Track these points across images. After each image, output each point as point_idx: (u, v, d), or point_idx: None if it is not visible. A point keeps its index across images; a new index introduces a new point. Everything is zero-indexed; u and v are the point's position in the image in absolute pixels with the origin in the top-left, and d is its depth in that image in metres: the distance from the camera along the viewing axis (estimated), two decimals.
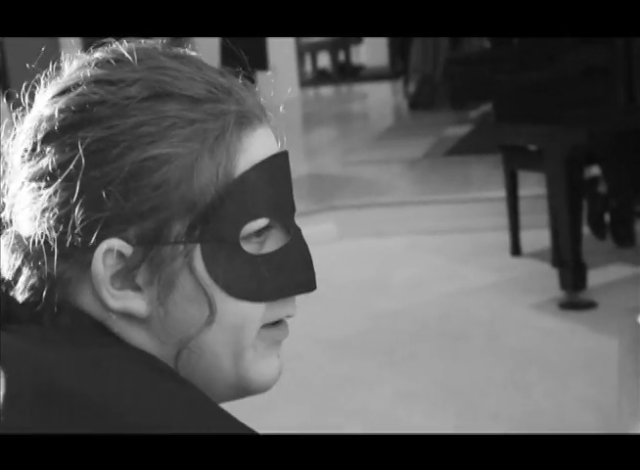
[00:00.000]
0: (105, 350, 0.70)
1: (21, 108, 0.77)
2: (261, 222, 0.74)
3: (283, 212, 0.76)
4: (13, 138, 0.76)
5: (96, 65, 0.75)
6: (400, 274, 4.38)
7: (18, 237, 0.73)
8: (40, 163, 0.72)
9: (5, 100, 4.35)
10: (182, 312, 0.72)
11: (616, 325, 2.85)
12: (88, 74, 0.74)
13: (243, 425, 0.69)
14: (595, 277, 3.90)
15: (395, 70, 11.67)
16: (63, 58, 0.78)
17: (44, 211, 0.72)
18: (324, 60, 13.74)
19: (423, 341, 3.57)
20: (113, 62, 0.74)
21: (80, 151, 0.70)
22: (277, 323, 0.77)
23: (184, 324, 0.72)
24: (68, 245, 0.71)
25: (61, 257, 0.71)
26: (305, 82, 12.59)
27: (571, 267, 3.74)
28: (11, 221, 0.75)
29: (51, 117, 0.73)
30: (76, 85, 0.73)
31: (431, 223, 5.18)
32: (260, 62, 7.63)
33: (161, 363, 0.72)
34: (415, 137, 7.85)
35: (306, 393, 3.14)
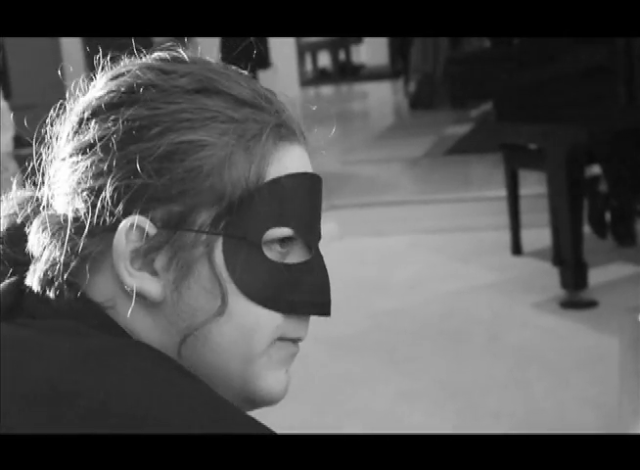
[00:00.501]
0: (109, 344, 0.70)
1: (71, 96, 0.80)
2: (286, 232, 0.75)
3: (308, 231, 0.77)
4: (61, 123, 0.79)
5: (152, 58, 0.79)
6: (401, 273, 4.39)
7: (50, 216, 0.75)
8: (83, 137, 0.75)
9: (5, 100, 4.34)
10: (194, 300, 0.73)
11: (616, 324, 2.85)
12: (144, 63, 0.78)
13: (250, 418, 0.68)
14: (596, 276, 3.90)
15: (396, 69, 11.68)
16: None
17: (79, 182, 0.74)
18: (324, 59, 13.75)
19: (424, 340, 3.58)
20: (168, 58, 0.78)
21: (120, 124, 0.72)
22: (293, 341, 0.78)
23: (194, 311, 0.73)
24: (97, 218, 0.72)
25: (88, 232, 0.72)
26: (306, 82, 12.59)
27: (571, 266, 3.74)
28: (48, 203, 0.77)
29: (101, 97, 0.76)
30: (129, 71, 0.77)
31: (431, 222, 5.18)
32: (261, 60, 7.63)
33: (167, 357, 0.72)
34: (415, 136, 7.86)
35: (307, 392, 3.14)
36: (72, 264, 0.73)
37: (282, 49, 9.62)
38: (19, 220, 0.79)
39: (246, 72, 0.80)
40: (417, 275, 4.33)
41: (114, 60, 0.81)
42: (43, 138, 0.80)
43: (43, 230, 0.74)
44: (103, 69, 0.80)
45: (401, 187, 6.18)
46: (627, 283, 3.88)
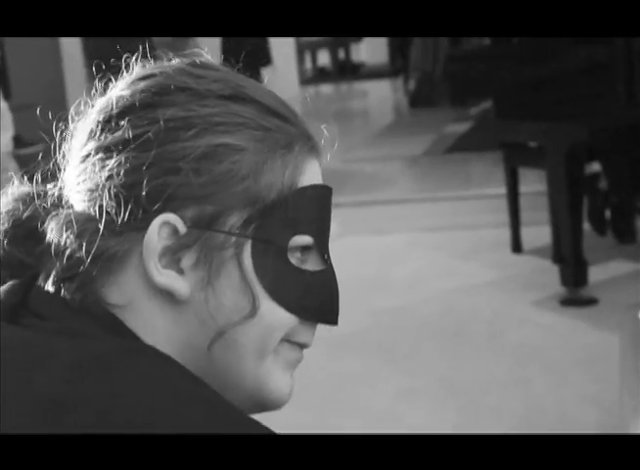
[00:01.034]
0: (115, 348, 0.69)
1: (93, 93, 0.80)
2: (307, 240, 0.77)
3: (323, 241, 0.79)
4: (79, 121, 0.78)
5: (181, 62, 0.79)
6: (401, 271, 4.39)
7: (67, 215, 0.74)
8: (113, 134, 0.75)
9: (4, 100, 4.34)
10: (227, 299, 0.74)
11: (616, 321, 2.84)
12: (175, 65, 0.78)
13: (256, 422, 0.68)
14: (596, 273, 3.90)
15: (395, 67, 11.68)
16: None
17: (109, 178, 0.73)
18: (324, 58, 13.74)
19: (424, 338, 3.58)
20: (197, 62, 0.79)
21: (161, 123, 0.73)
22: (300, 346, 0.80)
23: (227, 311, 0.74)
24: (127, 215, 0.72)
25: (114, 231, 0.72)
26: (305, 80, 12.58)
27: (571, 264, 3.74)
28: (60, 202, 0.77)
29: (132, 95, 0.76)
30: (161, 73, 0.77)
31: (431, 220, 5.18)
32: (263, 58, 7.62)
33: (173, 361, 0.71)
34: (415, 134, 7.86)
35: (307, 390, 3.14)
36: (98, 264, 0.72)
37: (281, 48, 9.62)
38: (24, 217, 0.77)
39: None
40: (417, 273, 4.33)
41: (116, 62, 0.81)
42: (52, 135, 0.80)
43: (67, 229, 0.73)
44: (105, 71, 0.80)
45: (401, 185, 6.17)
46: (627, 280, 3.88)
